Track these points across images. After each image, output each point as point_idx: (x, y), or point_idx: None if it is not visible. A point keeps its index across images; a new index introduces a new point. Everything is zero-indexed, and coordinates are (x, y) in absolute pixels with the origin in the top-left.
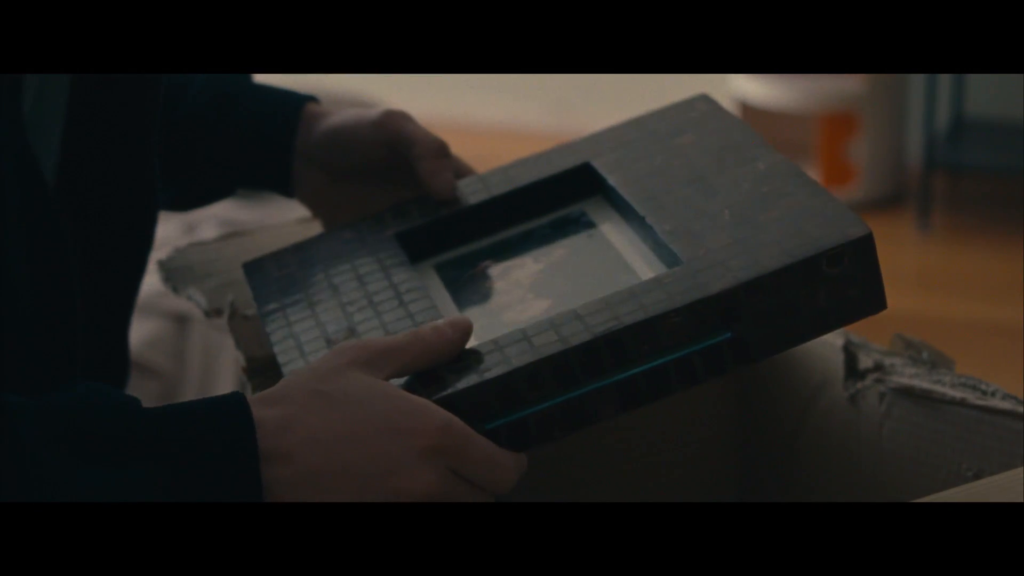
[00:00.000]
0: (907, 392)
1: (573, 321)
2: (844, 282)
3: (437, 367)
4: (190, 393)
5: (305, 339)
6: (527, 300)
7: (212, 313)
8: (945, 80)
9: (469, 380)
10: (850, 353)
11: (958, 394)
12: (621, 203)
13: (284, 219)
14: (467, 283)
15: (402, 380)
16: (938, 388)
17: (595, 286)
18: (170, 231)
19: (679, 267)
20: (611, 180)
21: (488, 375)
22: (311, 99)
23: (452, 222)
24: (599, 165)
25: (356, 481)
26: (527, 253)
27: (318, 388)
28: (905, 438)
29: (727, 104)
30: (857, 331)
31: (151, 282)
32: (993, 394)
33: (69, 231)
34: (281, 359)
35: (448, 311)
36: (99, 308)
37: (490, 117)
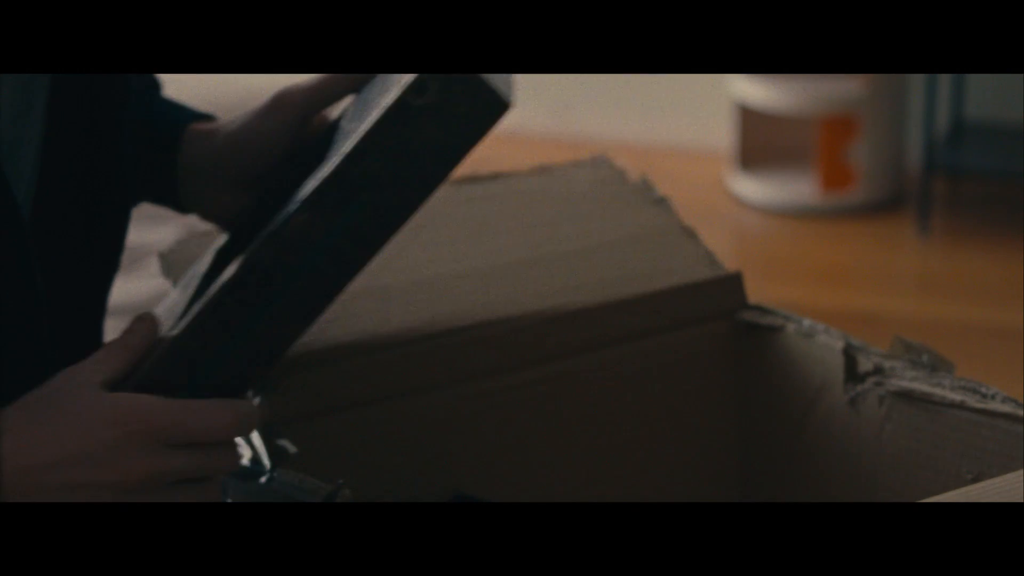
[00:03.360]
0: (907, 395)
1: (230, 266)
2: (447, 105)
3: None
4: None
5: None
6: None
7: None
8: (945, 83)
9: (151, 361)
10: (850, 356)
11: (958, 397)
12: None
13: None
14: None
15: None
16: (938, 391)
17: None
18: (169, 233)
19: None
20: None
21: (157, 352)
22: (202, 116)
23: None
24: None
25: (66, 473)
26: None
27: (26, 397)
28: (905, 441)
29: (727, 106)
30: (856, 334)
31: (152, 284)
32: (993, 397)
33: (38, 259)
34: None
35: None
36: (67, 329)
37: None
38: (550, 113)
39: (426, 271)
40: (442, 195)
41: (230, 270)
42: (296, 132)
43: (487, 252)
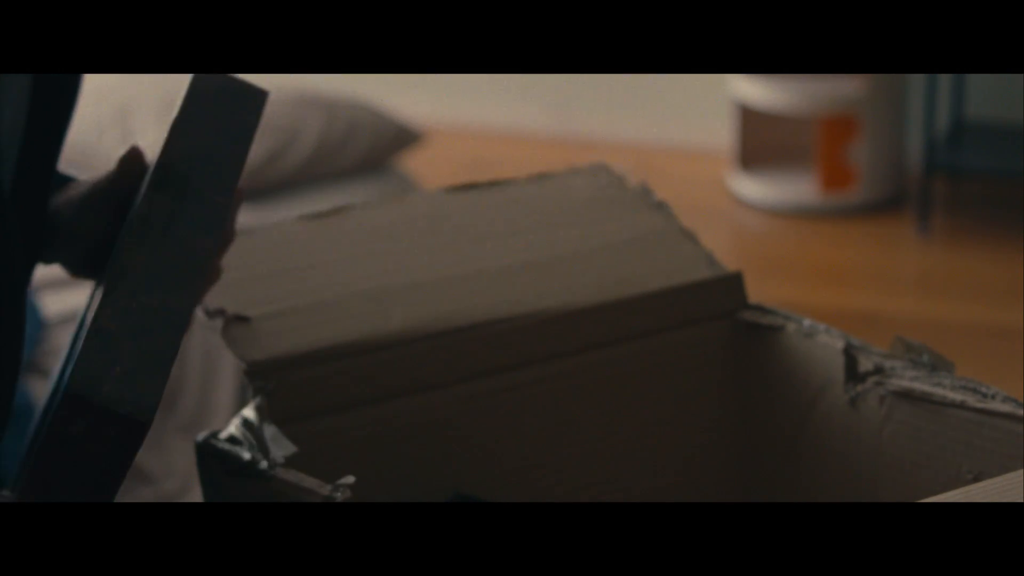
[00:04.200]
0: (907, 395)
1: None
2: (94, 431)
3: None
4: (191, 396)
5: None
6: None
7: (214, 314)
8: (945, 83)
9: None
10: (850, 356)
11: (958, 396)
12: None
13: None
14: None
15: None
16: (938, 391)
17: None
18: None
19: None
20: None
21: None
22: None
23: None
24: None
25: None
26: None
27: None
28: (905, 440)
29: (727, 106)
30: (856, 334)
31: None
32: (993, 397)
33: (19, 240)
34: None
35: None
36: None
37: (490, 119)
38: (550, 113)
39: (426, 274)
40: (441, 203)
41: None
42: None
43: (486, 255)
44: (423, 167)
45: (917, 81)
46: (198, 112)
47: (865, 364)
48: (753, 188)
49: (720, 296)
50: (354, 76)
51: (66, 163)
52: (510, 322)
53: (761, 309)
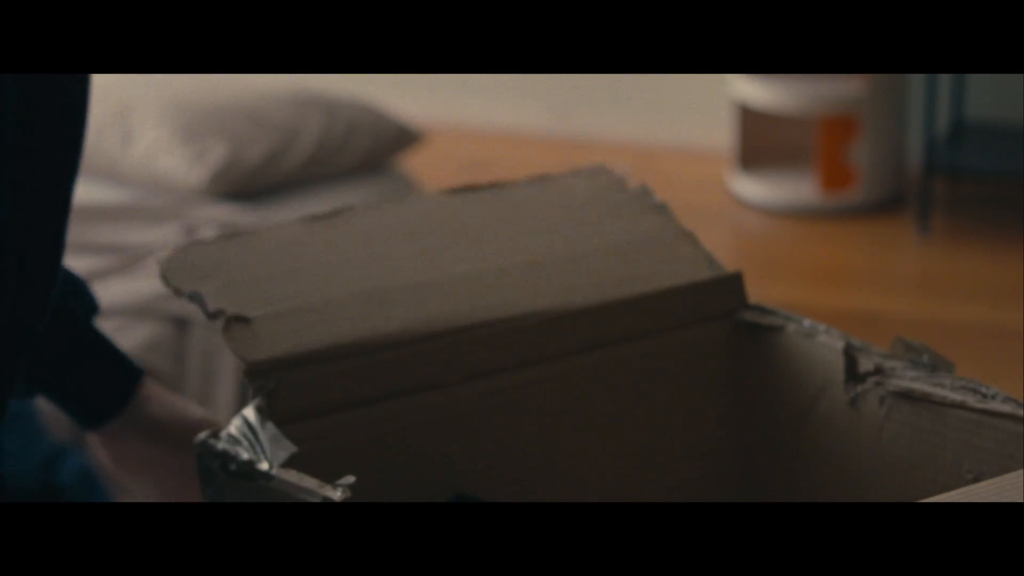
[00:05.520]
0: (907, 395)
1: None
2: None
3: None
4: (191, 396)
5: None
6: None
7: (214, 315)
8: (945, 83)
9: None
10: (850, 356)
11: (958, 397)
12: None
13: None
14: None
15: None
16: (938, 391)
17: None
18: (168, 234)
19: None
20: None
21: None
22: (141, 373)
23: None
24: None
25: None
26: None
27: None
28: (905, 441)
29: (727, 106)
30: (856, 334)
31: (151, 285)
32: (993, 397)
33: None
34: None
35: None
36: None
37: (490, 119)
38: (550, 113)
39: (425, 275)
40: (440, 204)
41: None
42: None
43: (486, 256)
44: (423, 167)
45: (917, 81)
46: None
47: (865, 364)
48: (753, 188)
49: (720, 296)
50: (354, 76)
51: None
52: (510, 322)
53: (761, 309)
